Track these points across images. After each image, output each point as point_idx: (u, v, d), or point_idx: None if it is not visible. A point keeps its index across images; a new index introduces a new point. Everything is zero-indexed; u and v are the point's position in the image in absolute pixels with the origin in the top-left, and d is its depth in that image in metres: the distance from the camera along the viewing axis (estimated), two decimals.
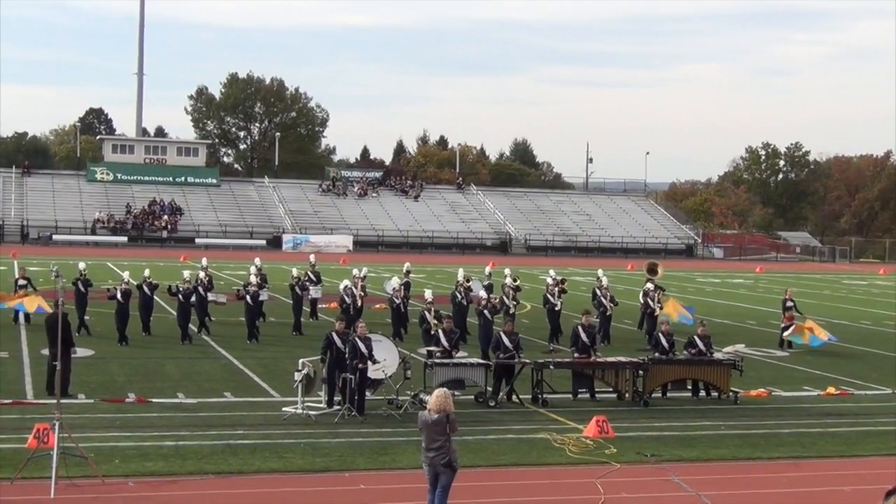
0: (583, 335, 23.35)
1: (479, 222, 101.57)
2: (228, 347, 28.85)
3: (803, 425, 20.74)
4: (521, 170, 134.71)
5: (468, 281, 33.25)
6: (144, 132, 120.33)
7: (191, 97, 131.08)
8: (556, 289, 32.48)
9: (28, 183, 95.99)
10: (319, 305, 35.95)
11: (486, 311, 28.33)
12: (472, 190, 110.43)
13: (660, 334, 24.20)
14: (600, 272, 35.09)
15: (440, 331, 22.85)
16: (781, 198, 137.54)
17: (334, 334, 20.59)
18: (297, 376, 20.20)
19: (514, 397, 22.12)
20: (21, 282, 33.52)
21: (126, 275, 30.84)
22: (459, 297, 31.76)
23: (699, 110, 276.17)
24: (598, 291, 32.86)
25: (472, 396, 21.88)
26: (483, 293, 30.13)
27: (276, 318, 34.46)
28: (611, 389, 22.77)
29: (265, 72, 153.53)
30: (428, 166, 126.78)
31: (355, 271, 33.63)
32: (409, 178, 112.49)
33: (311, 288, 34.49)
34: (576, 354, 23.26)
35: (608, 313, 32.06)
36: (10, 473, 15.11)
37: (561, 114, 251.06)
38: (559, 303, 32.13)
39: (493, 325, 27.87)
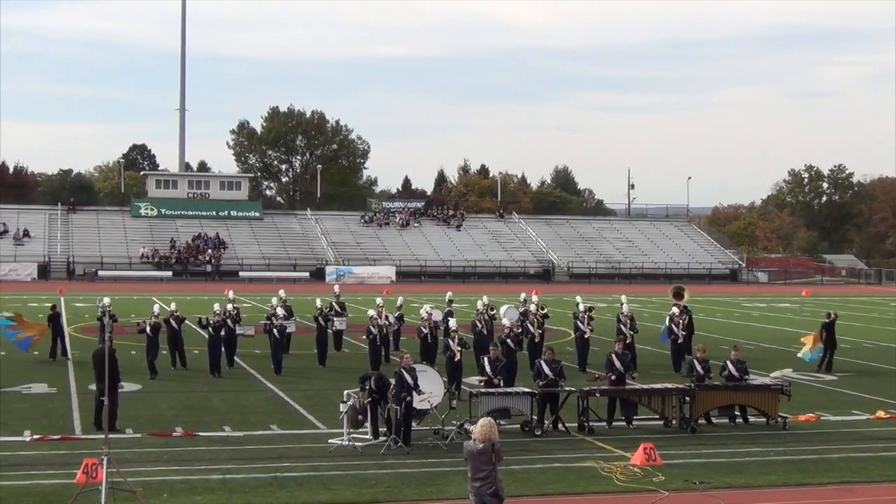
0: (617, 363, 23.22)
1: (521, 251, 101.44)
2: (273, 379, 28.95)
3: (853, 450, 20.51)
4: (562, 197, 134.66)
5: (492, 309, 33.04)
6: (187, 167, 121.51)
7: (232, 131, 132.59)
8: (585, 315, 32.11)
9: (73, 220, 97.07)
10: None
11: (508, 340, 27.65)
12: (514, 218, 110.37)
13: (695, 360, 23.95)
14: (623, 298, 34.71)
15: (485, 359, 22.82)
16: (826, 220, 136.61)
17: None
18: (343, 408, 20.25)
19: (560, 426, 22.03)
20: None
21: (156, 308, 30.95)
22: (480, 325, 31.49)
23: (740, 134, 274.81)
24: (620, 317, 32.31)
25: (518, 425, 21.82)
26: (506, 321, 29.50)
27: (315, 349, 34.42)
28: (657, 416, 22.65)
29: (306, 105, 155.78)
30: (469, 195, 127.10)
31: (379, 300, 33.61)
32: (451, 207, 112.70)
33: (335, 319, 34.33)
34: (612, 378, 23.15)
35: (628, 341, 31.04)
36: None
37: (601, 140, 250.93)
38: (588, 330, 31.78)
39: (516, 354, 27.33)
